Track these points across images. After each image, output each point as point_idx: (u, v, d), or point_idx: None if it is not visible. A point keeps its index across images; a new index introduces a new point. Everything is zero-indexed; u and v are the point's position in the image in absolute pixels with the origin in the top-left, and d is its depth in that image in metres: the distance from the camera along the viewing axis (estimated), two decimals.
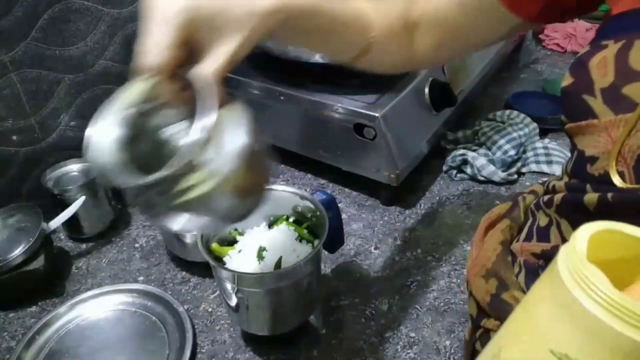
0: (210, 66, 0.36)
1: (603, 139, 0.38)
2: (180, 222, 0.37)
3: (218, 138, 0.34)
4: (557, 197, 0.44)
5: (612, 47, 0.38)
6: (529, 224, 0.51)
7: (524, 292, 0.45)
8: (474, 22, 0.50)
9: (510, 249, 0.51)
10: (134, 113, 0.37)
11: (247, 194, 0.38)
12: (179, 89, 0.37)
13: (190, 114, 0.36)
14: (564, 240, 0.43)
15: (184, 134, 0.37)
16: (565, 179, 0.46)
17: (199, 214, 0.37)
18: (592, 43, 0.41)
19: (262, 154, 0.39)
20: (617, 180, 0.37)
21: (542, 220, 0.48)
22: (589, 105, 0.39)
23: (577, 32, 1.25)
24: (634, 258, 0.29)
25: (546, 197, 0.46)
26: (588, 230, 0.28)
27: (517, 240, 0.51)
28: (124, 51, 0.88)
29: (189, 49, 0.38)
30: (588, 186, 0.39)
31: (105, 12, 0.83)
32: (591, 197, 0.38)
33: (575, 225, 0.40)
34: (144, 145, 0.38)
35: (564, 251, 0.28)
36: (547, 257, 0.44)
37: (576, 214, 0.41)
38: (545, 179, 0.57)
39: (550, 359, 0.28)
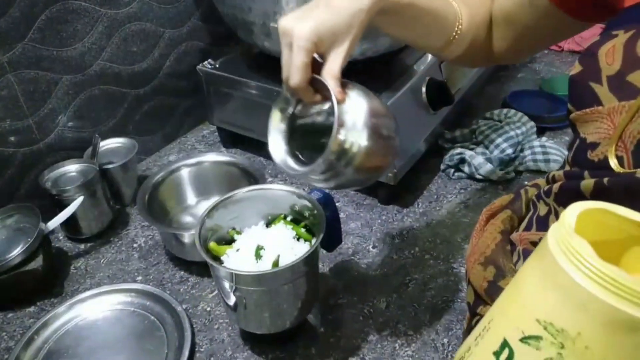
0: (334, 66, 0.46)
1: (605, 124, 0.39)
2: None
3: (352, 114, 0.46)
4: (556, 186, 0.44)
5: (621, 37, 0.39)
6: (529, 214, 0.52)
7: None
8: (537, 23, 0.54)
9: (509, 239, 0.52)
10: (290, 117, 0.52)
11: (382, 146, 0.50)
12: (314, 90, 0.48)
13: (327, 106, 0.50)
14: None
15: (325, 119, 0.53)
16: (567, 168, 0.47)
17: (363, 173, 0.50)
18: (602, 33, 0.42)
19: (384, 114, 0.51)
20: (613, 163, 0.38)
21: (542, 210, 0.48)
22: (595, 93, 0.40)
23: None
24: (622, 239, 0.30)
25: (546, 187, 0.47)
26: (578, 207, 0.29)
27: (517, 231, 0.52)
28: (121, 52, 0.88)
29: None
30: (586, 172, 0.40)
31: (103, 12, 0.83)
32: (588, 182, 0.39)
33: None
34: (302, 136, 0.53)
35: (554, 226, 0.29)
36: None
37: (573, 200, 0.41)
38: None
39: (536, 328, 0.28)
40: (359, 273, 0.72)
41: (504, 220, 0.53)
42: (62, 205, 0.74)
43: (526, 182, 0.57)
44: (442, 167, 0.89)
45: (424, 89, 0.83)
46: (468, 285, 0.52)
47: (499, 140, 0.88)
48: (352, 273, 0.72)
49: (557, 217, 0.45)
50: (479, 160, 0.85)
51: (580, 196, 0.39)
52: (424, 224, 0.79)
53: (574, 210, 0.29)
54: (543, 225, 0.47)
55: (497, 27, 0.58)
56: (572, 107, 0.44)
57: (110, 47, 0.86)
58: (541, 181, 0.56)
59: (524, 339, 0.29)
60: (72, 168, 0.80)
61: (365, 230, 0.79)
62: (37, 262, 0.69)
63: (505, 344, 0.31)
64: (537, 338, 0.29)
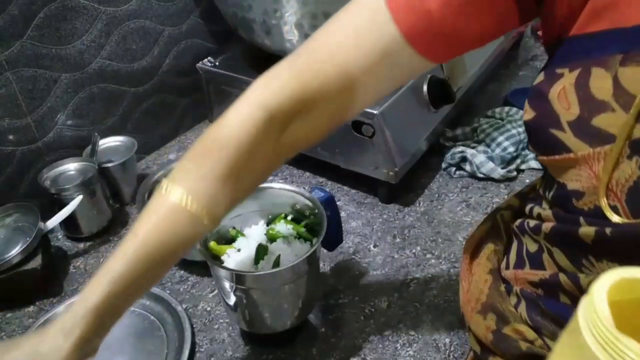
0: None
1: (585, 172, 0.36)
2: None
3: None
4: (546, 226, 0.41)
5: (568, 77, 0.36)
6: (515, 248, 0.49)
7: (528, 325, 0.44)
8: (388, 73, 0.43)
9: (501, 276, 0.49)
10: None
11: None
12: None
13: None
14: (560, 268, 0.41)
15: None
16: (545, 206, 0.43)
17: None
18: (545, 70, 0.39)
19: None
20: (613, 217, 0.35)
21: (531, 246, 0.46)
22: (559, 139, 0.37)
23: None
24: None
25: (532, 223, 0.44)
26: (605, 285, 0.25)
27: (507, 267, 0.50)
28: (121, 49, 0.87)
29: None
30: (582, 219, 0.37)
31: (102, 10, 0.82)
32: (587, 230, 0.36)
33: (570, 255, 0.40)
34: None
35: (586, 315, 0.25)
36: (546, 285, 0.43)
37: (571, 244, 0.39)
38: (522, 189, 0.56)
39: None
40: (360, 272, 0.71)
41: (488, 256, 0.51)
42: (62, 204, 0.73)
43: (500, 206, 0.54)
44: (443, 165, 0.89)
45: (425, 87, 0.83)
46: (469, 332, 0.50)
47: (501, 138, 0.87)
48: (353, 272, 0.71)
49: (551, 256, 0.42)
50: (480, 159, 0.84)
51: (579, 241, 0.37)
52: (425, 223, 0.79)
53: (602, 290, 0.25)
54: (536, 262, 0.45)
55: (305, 115, 0.44)
56: (535, 151, 0.41)
57: (109, 44, 0.85)
58: (513, 200, 0.53)
59: None
60: (71, 167, 0.80)
61: (367, 229, 0.78)
62: (36, 262, 0.69)
63: None
64: None
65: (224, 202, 0.44)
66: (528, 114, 0.40)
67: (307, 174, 0.91)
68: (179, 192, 0.42)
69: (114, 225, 0.82)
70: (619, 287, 0.25)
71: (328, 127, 0.46)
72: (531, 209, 0.45)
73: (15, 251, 0.67)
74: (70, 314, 0.41)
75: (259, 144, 0.43)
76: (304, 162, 0.91)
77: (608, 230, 0.35)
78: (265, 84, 0.45)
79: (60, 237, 0.81)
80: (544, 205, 0.44)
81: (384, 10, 0.40)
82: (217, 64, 0.91)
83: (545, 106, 0.37)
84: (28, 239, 0.68)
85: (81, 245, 0.79)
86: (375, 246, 0.75)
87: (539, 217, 0.43)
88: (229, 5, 0.79)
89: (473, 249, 0.54)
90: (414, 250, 0.74)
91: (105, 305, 0.41)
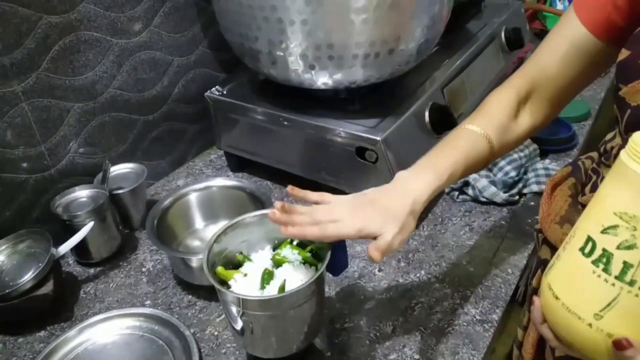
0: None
1: None
2: None
3: None
4: (616, 150, 0.52)
5: None
6: (593, 179, 0.57)
7: None
8: (579, 65, 0.61)
9: (579, 201, 0.57)
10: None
11: None
12: None
13: None
14: None
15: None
16: (617, 139, 0.54)
17: None
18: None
19: None
20: None
21: (606, 173, 0.53)
22: None
23: None
24: None
25: (605, 154, 0.54)
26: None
27: (584, 194, 0.57)
28: (131, 79, 0.90)
29: None
30: None
31: (114, 42, 0.86)
32: None
33: None
34: None
35: (626, 150, 0.38)
36: None
37: None
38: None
39: (614, 219, 0.39)
40: (365, 297, 0.72)
41: (569, 186, 0.60)
42: (73, 230, 0.75)
43: (580, 157, 0.65)
44: (446, 189, 0.90)
45: (427, 114, 0.85)
46: (542, 244, 0.60)
47: (502, 163, 0.89)
48: (358, 297, 0.72)
49: None
50: (482, 183, 0.86)
51: None
52: (429, 247, 0.80)
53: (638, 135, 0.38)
54: None
55: (533, 101, 0.65)
56: (620, 85, 0.51)
57: (120, 75, 0.88)
58: (593, 154, 0.62)
59: (604, 230, 0.39)
60: (82, 193, 0.82)
61: None
62: (48, 287, 0.70)
63: (588, 239, 0.41)
64: (615, 227, 0.39)
65: (502, 141, 0.63)
66: (623, 54, 0.51)
67: None
68: (475, 126, 0.62)
69: (124, 251, 0.84)
70: None
71: (546, 112, 0.66)
72: (605, 146, 0.56)
73: (27, 277, 0.69)
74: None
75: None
76: (309, 187, 0.92)
77: None
78: (510, 79, 0.67)
79: (70, 262, 0.82)
80: (617, 139, 0.54)
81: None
82: (224, 92, 0.93)
83: (638, 45, 0.50)
84: (40, 264, 0.70)
85: (91, 271, 0.81)
86: (380, 270, 0.76)
87: (612, 149, 0.54)
88: (236, 36, 0.82)
89: (554, 184, 0.63)
90: (418, 275, 0.75)
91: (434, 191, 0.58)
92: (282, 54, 0.77)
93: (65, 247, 0.73)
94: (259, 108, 0.88)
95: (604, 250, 0.39)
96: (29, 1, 0.73)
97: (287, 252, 0.64)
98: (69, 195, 0.81)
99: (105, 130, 0.89)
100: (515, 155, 0.89)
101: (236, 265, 0.64)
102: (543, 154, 0.96)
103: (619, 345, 0.39)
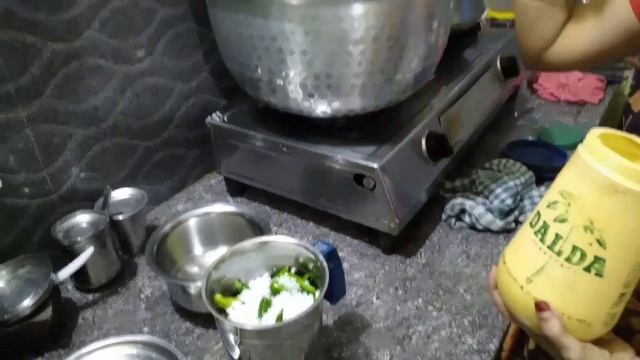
0: None
1: None
2: None
3: None
4: None
5: None
6: None
7: None
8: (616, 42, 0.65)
9: None
10: None
11: None
12: None
13: None
14: None
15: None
16: None
17: None
18: None
19: None
20: None
21: None
22: None
23: (570, 81, 1.29)
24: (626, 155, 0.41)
25: None
26: (596, 131, 0.44)
27: None
28: (134, 105, 0.91)
29: None
30: None
31: (117, 69, 0.87)
32: None
33: None
34: None
35: (583, 143, 0.43)
36: None
37: None
38: None
39: (556, 196, 0.44)
40: (362, 325, 0.72)
41: None
42: (73, 256, 0.75)
43: None
44: (443, 216, 0.91)
45: (423, 141, 0.86)
46: None
47: (499, 190, 0.90)
48: (356, 325, 0.73)
49: None
50: (479, 211, 0.87)
51: None
52: (426, 275, 0.80)
53: (595, 132, 0.44)
54: None
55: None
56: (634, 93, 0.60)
57: (123, 101, 0.90)
58: None
59: (548, 205, 0.45)
60: (83, 219, 0.82)
61: (369, 281, 0.80)
62: (47, 313, 0.70)
63: (537, 213, 0.46)
64: (555, 202, 0.44)
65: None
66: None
67: (311, 224, 0.93)
68: None
69: (122, 277, 0.84)
70: (603, 137, 0.43)
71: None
72: None
73: (26, 303, 0.69)
74: None
75: None
76: (307, 212, 0.93)
77: None
78: None
79: (69, 288, 0.82)
80: None
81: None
82: (225, 118, 0.95)
83: None
84: (40, 290, 0.70)
85: (90, 297, 0.81)
86: (377, 298, 0.77)
87: None
88: (237, 65, 0.83)
89: None
90: (415, 303, 0.75)
91: None
92: (281, 82, 0.78)
93: (65, 273, 0.74)
94: (258, 134, 0.89)
95: (544, 222, 0.45)
96: (36, 29, 0.74)
97: (285, 279, 0.64)
98: (69, 221, 0.82)
99: (107, 156, 0.90)
100: (511, 183, 0.90)
101: (234, 292, 0.65)
102: (539, 181, 0.97)
103: (539, 307, 0.44)
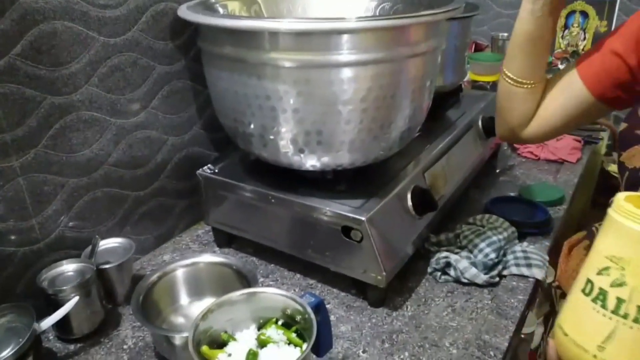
0: None
1: None
2: None
3: None
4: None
5: None
6: None
7: None
8: (576, 111, 0.75)
9: None
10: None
11: None
12: None
13: None
14: None
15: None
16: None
17: None
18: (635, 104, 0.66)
19: None
20: None
21: None
22: (639, 135, 0.61)
23: (549, 141, 1.35)
24: None
25: None
26: (622, 194, 0.48)
27: None
28: (126, 157, 0.93)
29: None
30: None
31: (113, 122, 0.90)
32: None
33: None
34: None
35: (612, 206, 0.47)
36: None
37: None
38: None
39: (606, 262, 0.46)
40: None
41: (584, 247, 0.69)
42: (57, 305, 0.74)
43: (596, 224, 0.74)
44: (429, 270, 0.92)
45: (409, 196, 0.89)
46: (561, 298, 0.70)
47: (482, 245, 0.92)
48: None
49: None
50: (464, 265, 0.88)
51: None
52: (413, 328, 0.81)
53: (622, 194, 0.48)
54: None
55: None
56: (621, 152, 0.62)
57: (116, 152, 0.92)
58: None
59: (599, 272, 0.47)
60: (69, 267, 0.82)
61: (356, 334, 0.80)
62: None
63: (587, 281, 0.48)
64: (607, 268, 0.46)
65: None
66: (622, 126, 0.64)
67: (298, 275, 0.94)
68: None
69: (106, 327, 0.83)
70: (629, 199, 0.47)
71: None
72: None
73: (6, 353, 0.67)
74: None
75: None
76: (295, 264, 0.94)
77: None
78: None
79: (51, 337, 0.81)
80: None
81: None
82: (216, 170, 0.97)
83: (635, 117, 0.62)
84: (21, 340, 0.68)
85: (71, 347, 0.79)
86: (364, 351, 0.76)
87: None
88: (230, 120, 0.87)
89: (570, 246, 0.74)
90: (402, 356, 0.75)
91: None
92: (273, 137, 0.81)
93: (47, 322, 0.73)
94: (248, 186, 0.91)
95: (600, 289, 0.47)
96: (36, 83, 0.77)
97: (272, 332, 0.64)
98: (55, 269, 0.81)
99: (97, 205, 0.90)
100: (495, 238, 0.93)
101: (220, 344, 0.64)
102: (521, 237, 0.99)
103: None
